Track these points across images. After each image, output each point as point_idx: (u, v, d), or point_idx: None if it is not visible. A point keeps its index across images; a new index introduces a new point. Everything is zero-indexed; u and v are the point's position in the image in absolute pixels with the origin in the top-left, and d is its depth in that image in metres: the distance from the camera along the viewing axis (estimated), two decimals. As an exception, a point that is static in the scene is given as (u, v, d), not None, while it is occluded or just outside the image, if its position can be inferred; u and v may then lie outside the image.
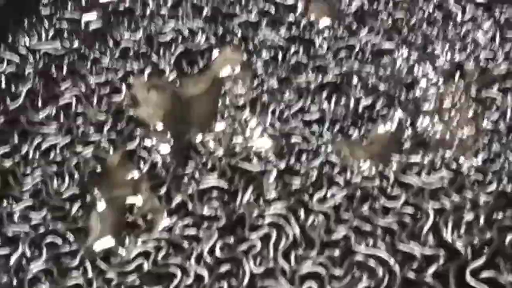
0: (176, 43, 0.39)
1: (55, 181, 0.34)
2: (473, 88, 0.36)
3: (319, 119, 0.36)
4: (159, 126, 0.36)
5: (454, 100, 0.36)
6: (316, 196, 0.33)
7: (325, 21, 0.40)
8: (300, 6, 0.40)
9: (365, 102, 0.37)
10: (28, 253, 0.32)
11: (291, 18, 0.40)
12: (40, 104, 0.36)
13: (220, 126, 0.36)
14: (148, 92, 0.37)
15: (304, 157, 0.35)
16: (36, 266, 0.31)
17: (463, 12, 0.39)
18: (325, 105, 0.37)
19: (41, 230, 0.32)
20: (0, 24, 0.39)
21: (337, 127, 0.36)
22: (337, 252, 0.32)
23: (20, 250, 0.32)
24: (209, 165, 0.35)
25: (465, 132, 0.35)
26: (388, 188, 0.34)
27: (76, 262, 0.32)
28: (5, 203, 0.33)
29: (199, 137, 0.36)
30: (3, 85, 0.37)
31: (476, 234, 0.31)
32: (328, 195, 0.33)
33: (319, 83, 0.37)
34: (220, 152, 0.35)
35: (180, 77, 0.38)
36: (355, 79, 0.37)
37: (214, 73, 0.38)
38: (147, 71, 0.38)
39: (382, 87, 0.37)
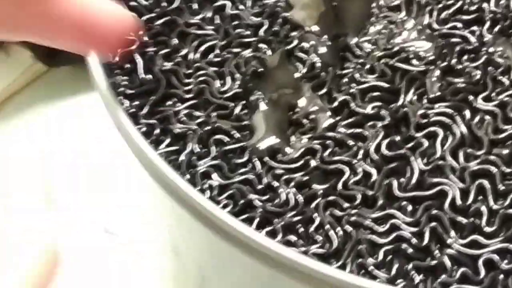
0: None
1: (217, 81, 0.34)
2: None
3: (479, 19, 0.35)
4: (315, 28, 0.36)
5: None
6: (481, 95, 0.33)
7: None
8: None
9: (526, 1, 0.36)
10: (197, 150, 0.32)
11: None
12: (196, 6, 0.37)
13: (375, 27, 0.36)
14: (301, -7, 0.37)
15: (465, 57, 0.34)
16: (205, 162, 0.32)
17: None
18: (484, 4, 0.36)
19: (207, 128, 0.33)
20: None
21: (497, 27, 0.35)
22: (506, 151, 0.31)
23: (189, 147, 0.32)
24: (368, 66, 0.34)
25: None
26: (555, 86, 0.33)
27: (244, 158, 0.32)
28: (170, 102, 0.34)
29: (354, 39, 0.36)
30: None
31: None
32: (493, 94, 0.33)
33: (477, -18, 0.36)
34: (378, 53, 0.35)
35: (332, -21, 0.38)
36: (515, -22, 0.36)
37: (366, -25, 0.38)
38: (299, -27, 0.38)
39: (544, -15, 0.36)
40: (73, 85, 0.56)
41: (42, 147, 0.54)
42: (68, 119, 0.56)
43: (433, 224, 0.29)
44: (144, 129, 0.33)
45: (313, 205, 0.31)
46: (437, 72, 0.34)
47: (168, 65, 0.35)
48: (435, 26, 0.35)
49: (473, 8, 0.36)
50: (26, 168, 0.53)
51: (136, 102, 0.34)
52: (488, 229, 0.29)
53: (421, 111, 0.33)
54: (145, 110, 0.33)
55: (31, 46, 0.55)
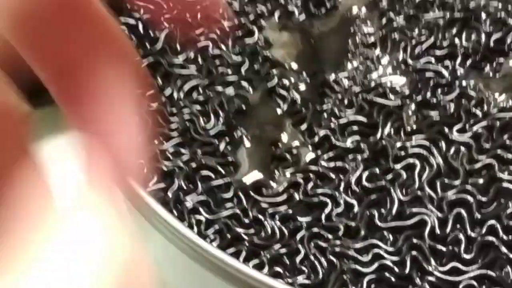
0: (302, -14, 0.40)
1: (201, 120, 0.35)
2: None
3: (451, 54, 0.37)
4: (294, 65, 0.37)
5: None
6: (456, 127, 0.34)
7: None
8: None
9: (495, 36, 0.37)
10: (184, 187, 0.33)
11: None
12: (178, 47, 0.38)
13: (352, 64, 0.37)
14: (280, 33, 0.38)
15: (439, 91, 0.36)
16: (193, 198, 0.33)
17: None
18: (455, 40, 0.37)
19: (194, 165, 0.34)
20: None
21: (469, 61, 0.37)
22: (481, 180, 0.33)
23: (176, 184, 0.33)
24: (346, 101, 0.36)
25: None
26: (525, 118, 0.34)
27: (230, 193, 0.33)
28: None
29: (332, 76, 0.37)
30: (142, 31, 0.38)
31: None
32: (467, 126, 0.34)
33: (448, 19, 0.38)
34: (355, 88, 0.36)
35: (309, 18, 0.39)
36: (483, 15, 0.38)
37: (341, 14, 0.39)
38: (277, 14, 0.39)
39: (511, 21, 0.38)
40: (57, 125, 0.57)
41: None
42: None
43: (414, 252, 0.31)
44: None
45: (298, 237, 0.32)
46: (413, 106, 0.35)
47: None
48: (409, 61, 0.37)
49: (445, 43, 0.37)
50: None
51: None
52: (466, 256, 0.30)
53: (398, 144, 0.34)
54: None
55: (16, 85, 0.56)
